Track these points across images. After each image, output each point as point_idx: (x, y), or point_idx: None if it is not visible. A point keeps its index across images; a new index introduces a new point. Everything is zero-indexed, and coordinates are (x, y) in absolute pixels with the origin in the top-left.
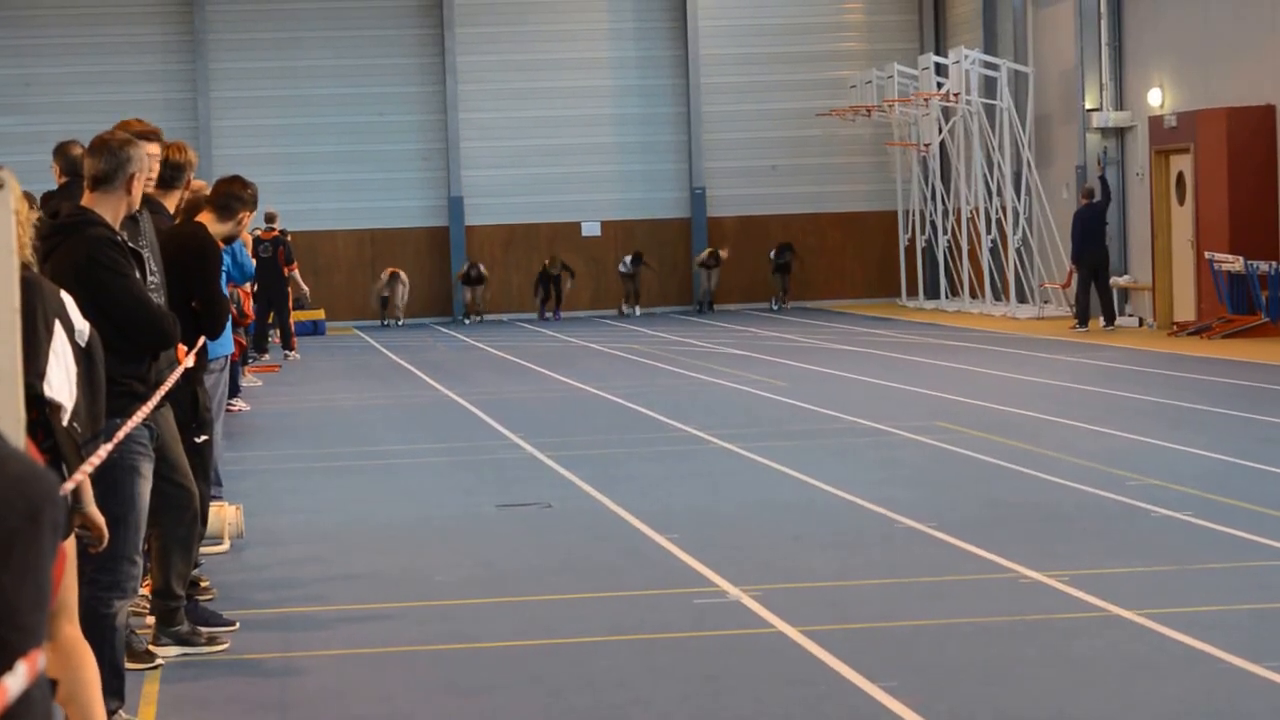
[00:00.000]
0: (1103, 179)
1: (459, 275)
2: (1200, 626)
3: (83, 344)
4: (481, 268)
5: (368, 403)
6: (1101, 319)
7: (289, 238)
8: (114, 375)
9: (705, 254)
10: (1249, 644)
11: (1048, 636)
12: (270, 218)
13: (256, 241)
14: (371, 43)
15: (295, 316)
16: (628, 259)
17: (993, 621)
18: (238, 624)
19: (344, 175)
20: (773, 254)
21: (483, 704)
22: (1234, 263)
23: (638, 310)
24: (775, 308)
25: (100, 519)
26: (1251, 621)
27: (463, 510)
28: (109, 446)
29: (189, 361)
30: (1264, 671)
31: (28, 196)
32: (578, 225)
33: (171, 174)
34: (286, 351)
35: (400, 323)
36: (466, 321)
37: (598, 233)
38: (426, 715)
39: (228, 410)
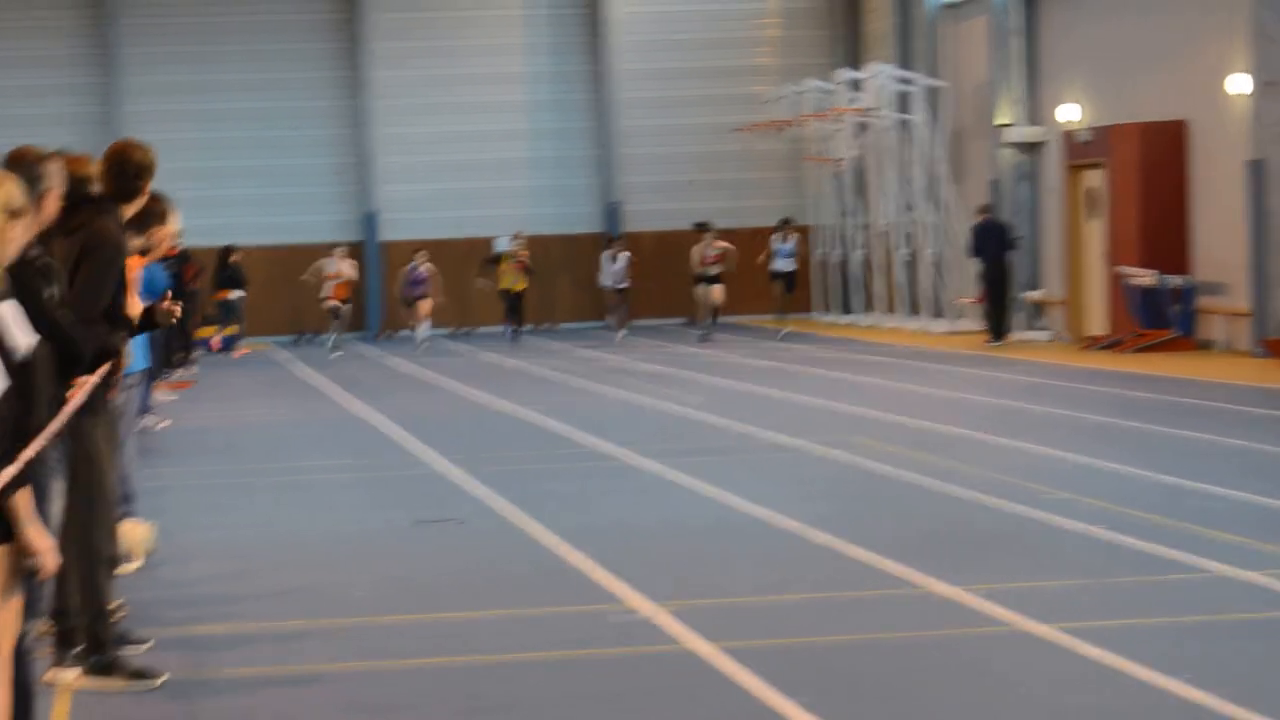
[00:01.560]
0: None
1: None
2: (1114, 641)
3: (16, 359)
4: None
5: (282, 419)
6: (1011, 333)
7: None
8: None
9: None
10: (1162, 658)
11: (962, 652)
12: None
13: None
14: (285, 57)
15: (204, 332)
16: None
17: (907, 637)
18: (151, 642)
19: (258, 190)
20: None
21: None
22: (1146, 277)
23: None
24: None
25: (41, 543)
26: (1165, 636)
27: (377, 527)
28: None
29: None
30: (1177, 686)
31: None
32: (491, 240)
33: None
34: (185, 367)
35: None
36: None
37: (510, 248)
38: None
39: (140, 427)
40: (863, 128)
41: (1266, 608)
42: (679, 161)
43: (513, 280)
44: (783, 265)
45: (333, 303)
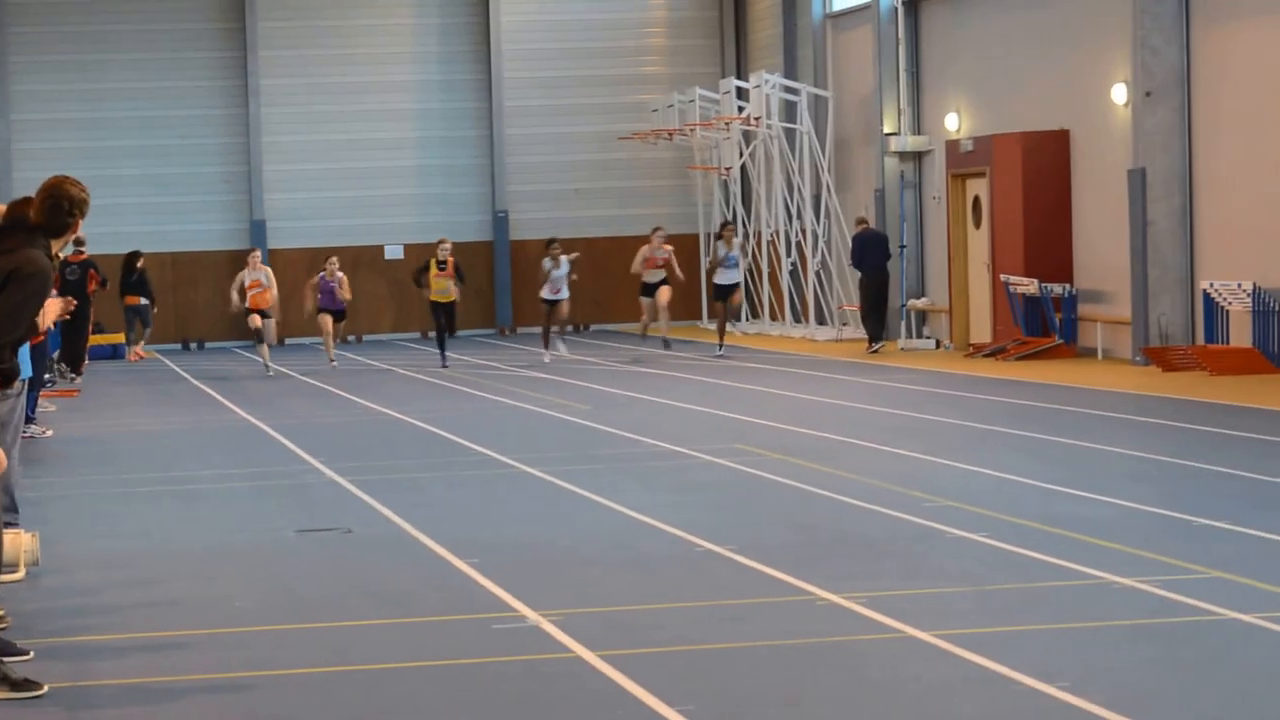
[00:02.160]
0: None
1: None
2: (994, 647)
3: None
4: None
5: (169, 428)
6: (895, 341)
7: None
8: None
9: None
10: (1041, 664)
11: (844, 658)
12: (79, 241)
13: (64, 265)
14: (174, 65)
15: (94, 340)
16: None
17: (790, 644)
18: (31, 653)
19: (147, 198)
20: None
21: None
22: (1029, 285)
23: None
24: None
25: None
26: (1044, 641)
27: (263, 535)
28: None
29: None
30: (1056, 691)
31: None
32: (381, 248)
33: None
34: (73, 375)
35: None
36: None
37: (401, 256)
38: None
39: (24, 436)
40: (748, 137)
41: (1144, 614)
42: (566, 170)
43: (442, 290)
44: (727, 278)
45: (254, 317)
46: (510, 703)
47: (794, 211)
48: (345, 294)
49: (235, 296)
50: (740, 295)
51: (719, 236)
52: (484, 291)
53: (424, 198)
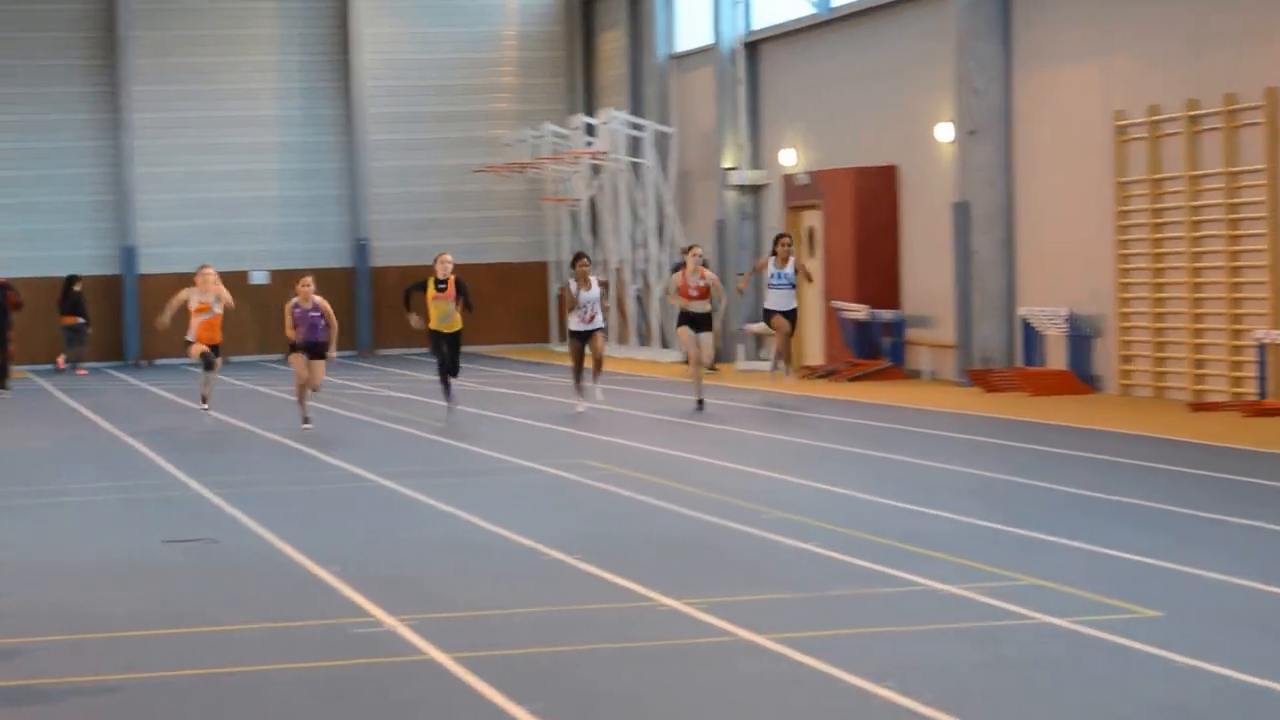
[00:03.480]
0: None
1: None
2: (825, 649)
3: None
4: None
5: (43, 444)
6: (734, 363)
7: None
8: None
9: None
10: (869, 665)
11: (682, 660)
12: None
13: None
14: (47, 99)
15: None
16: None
17: (634, 647)
18: None
19: (23, 225)
20: None
21: None
22: (859, 311)
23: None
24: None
25: None
26: (872, 644)
27: (131, 546)
28: None
29: None
30: (883, 691)
31: None
32: (246, 274)
33: None
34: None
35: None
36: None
37: (267, 281)
38: None
39: None
40: (596, 170)
41: (968, 619)
42: (423, 201)
43: (444, 316)
44: (780, 302)
45: (201, 349)
46: (368, 703)
47: (639, 241)
48: (332, 320)
49: (168, 318)
50: (792, 322)
51: (773, 253)
52: (345, 315)
53: (288, 226)
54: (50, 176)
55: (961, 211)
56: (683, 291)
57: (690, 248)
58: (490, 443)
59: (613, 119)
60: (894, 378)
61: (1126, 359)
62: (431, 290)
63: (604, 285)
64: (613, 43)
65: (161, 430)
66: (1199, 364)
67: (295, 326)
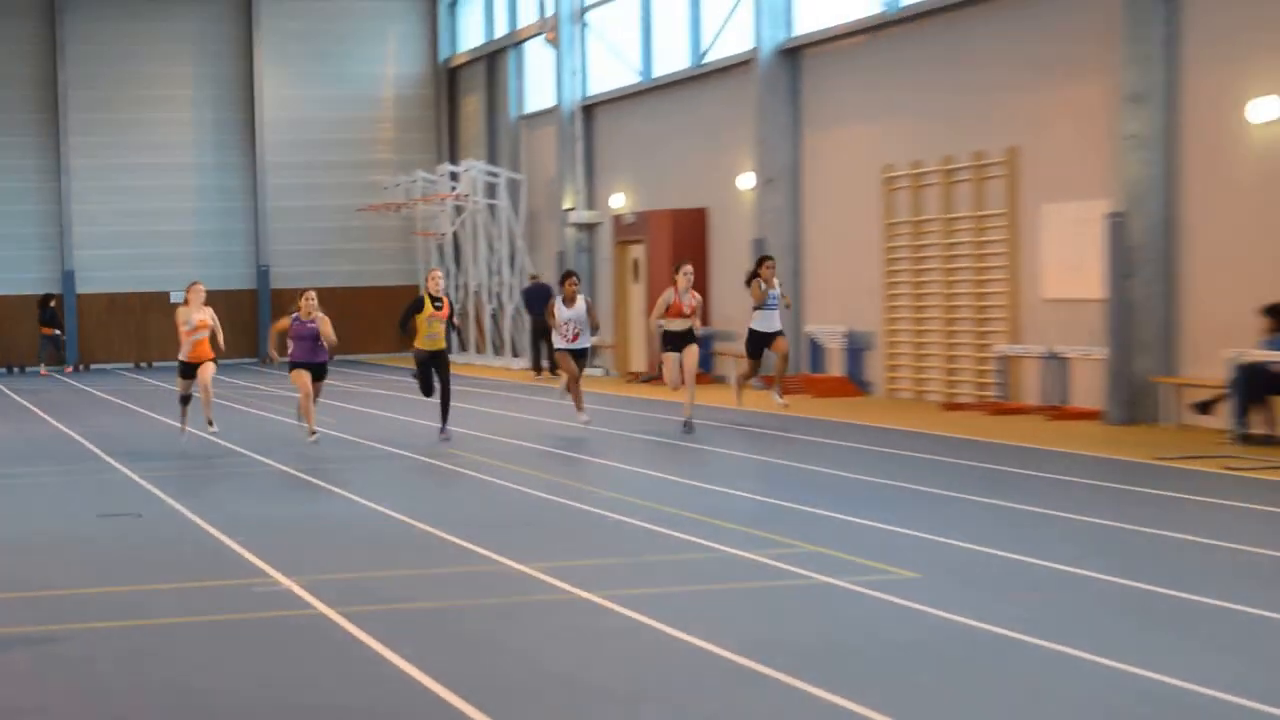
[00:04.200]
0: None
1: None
2: (643, 604)
3: None
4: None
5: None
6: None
7: None
8: None
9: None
10: (680, 617)
11: (528, 613)
12: None
13: None
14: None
15: None
16: None
17: (489, 603)
18: None
19: None
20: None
21: (80, 671)
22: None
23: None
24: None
25: None
26: (683, 600)
27: (70, 519)
28: None
29: None
30: (691, 638)
31: None
32: (167, 294)
33: None
34: None
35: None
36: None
37: (184, 301)
38: (35, 691)
39: None
40: (459, 210)
41: (760, 579)
42: (315, 234)
43: (434, 335)
44: (765, 324)
45: (197, 371)
46: (267, 648)
47: (494, 269)
48: (330, 338)
49: (184, 339)
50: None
51: (755, 274)
52: (249, 328)
53: (202, 253)
54: (2, 212)
55: (759, 246)
56: (676, 309)
57: (680, 265)
58: (369, 434)
59: (472, 167)
60: (704, 382)
61: (892, 367)
62: (429, 309)
63: (588, 303)
64: (473, 105)
65: (101, 426)
66: (951, 371)
67: (294, 339)
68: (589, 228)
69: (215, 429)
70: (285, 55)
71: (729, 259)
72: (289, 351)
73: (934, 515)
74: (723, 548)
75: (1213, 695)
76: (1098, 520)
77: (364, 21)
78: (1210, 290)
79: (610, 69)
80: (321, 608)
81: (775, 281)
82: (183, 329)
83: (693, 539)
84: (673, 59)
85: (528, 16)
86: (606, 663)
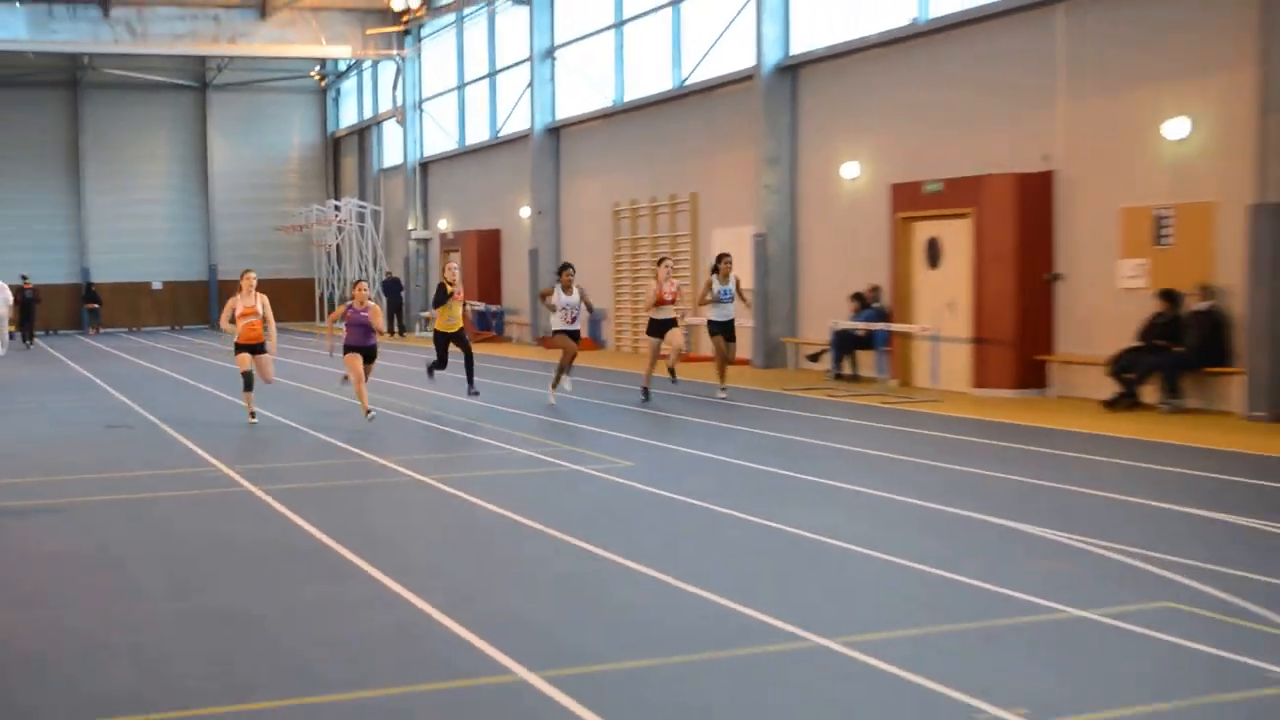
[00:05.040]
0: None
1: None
2: (459, 484)
3: None
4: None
5: (33, 376)
6: (414, 331)
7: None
8: None
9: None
10: (482, 492)
11: (382, 489)
12: None
13: None
14: (39, 186)
15: None
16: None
17: (358, 482)
18: None
19: (17, 254)
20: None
21: (88, 527)
22: (480, 305)
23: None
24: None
25: None
26: (484, 481)
27: (86, 429)
28: None
29: None
30: (488, 504)
31: None
32: (149, 283)
33: None
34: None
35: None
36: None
37: (160, 287)
38: (54, 540)
39: None
40: (340, 229)
41: (538, 468)
42: (247, 244)
43: (453, 318)
44: (720, 313)
45: (242, 356)
46: (215, 510)
47: (363, 268)
48: (378, 324)
49: (227, 324)
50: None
51: (714, 270)
52: (202, 308)
53: (170, 257)
54: (39, 230)
55: (533, 255)
56: (659, 298)
57: (662, 259)
58: (270, 405)
59: (349, 203)
60: (497, 341)
61: (619, 331)
62: (450, 293)
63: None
64: (350, 162)
65: (109, 370)
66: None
67: (348, 327)
68: (424, 241)
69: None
70: (227, 131)
71: (515, 263)
72: (343, 337)
73: (644, 425)
74: (508, 447)
75: (839, 544)
76: (748, 429)
77: (279, 109)
78: (818, 283)
79: (438, 138)
80: (247, 484)
81: (732, 277)
82: (225, 316)
83: (494, 442)
84: (479, 132)
85: (385, 105)
86: (431, 522)
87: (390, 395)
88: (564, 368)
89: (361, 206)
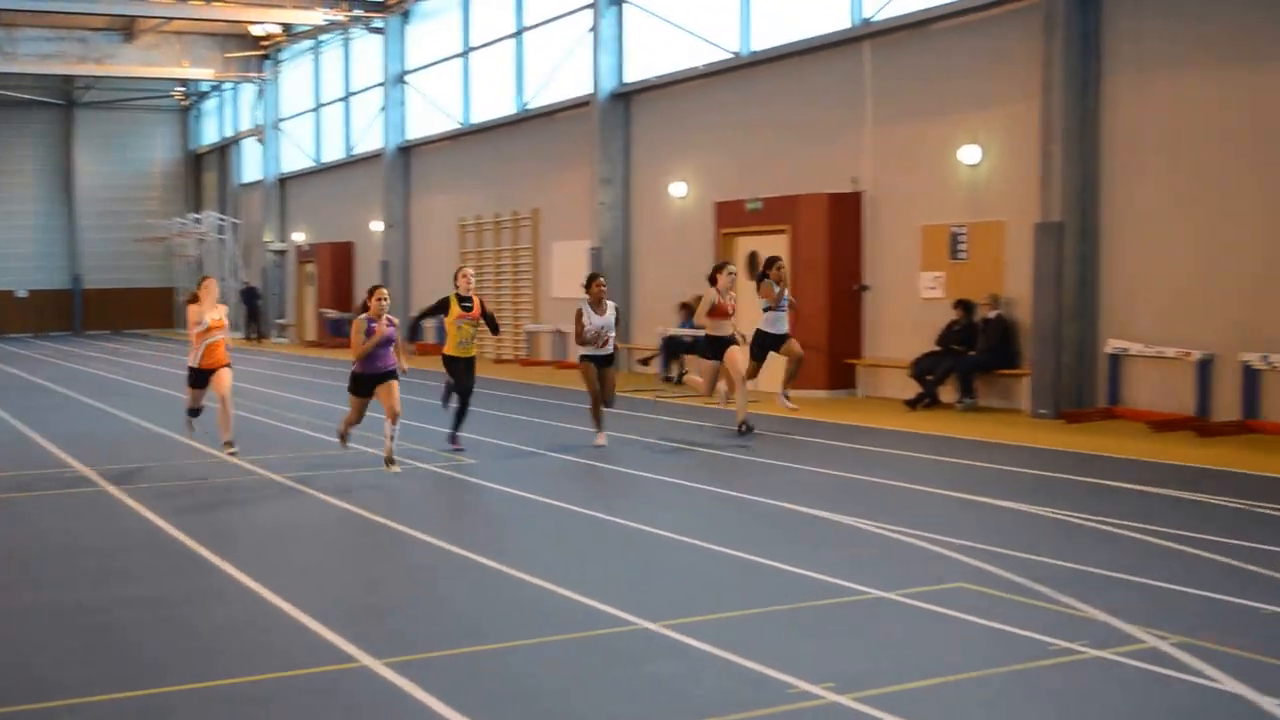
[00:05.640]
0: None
1: None
2: (303, 480)
3: None
4: None
5: None
6: (270, 338)
7: None
8: None
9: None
10: (326, 488)
11: (237, 486)
12: None
13: None
14: (21, 175)
15: None
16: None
17: (213, 481)
18: None
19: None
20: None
21: None
22: (333, 313)
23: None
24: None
25: None
26: (331, 477)
27: None
28: None
29: None
30: (336, 500)
31: None
32: (13, 292)
33: None
34: None
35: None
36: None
37: (26, 295)
38: None
39: None
40: (201, 240)
41: (372, 465)
42: (109, 255)
43: (466, 340)
44: (774, 325)
45: (198, 399)
46: (72, 510)
47: (223, 278)
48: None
49: (197, 341)
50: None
51: (763, 275)
52: (66, 316)
53: (38, 265)
54: (26, 226)
55: (385, 266)
56: (721, 309)
57: (723, 265)
58: (136, 374)
59: (210, 215)
60: (347, 348)
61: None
62: (455, 309)
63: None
64: (211, 177)
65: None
66: (501, 339)
67: (367, 351)
68: (281, 253)
69: (236, 449)
70: (93, 146)
71: (366, 271)
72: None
73: (495, 427)
74: (363, 448)
75: (662, 534)
76: (574, 426)
77: (143, 126)
78: (648, 293)
79: (296, 156)
80: (102, 483)
81: (784, 284)
82: (194, 330)
83: (352, 444)
84: (334, 150)
85: (245, 124)
86: (283, 520)
87: (252, 400)
88: (597, 408)
89: (221, 220)
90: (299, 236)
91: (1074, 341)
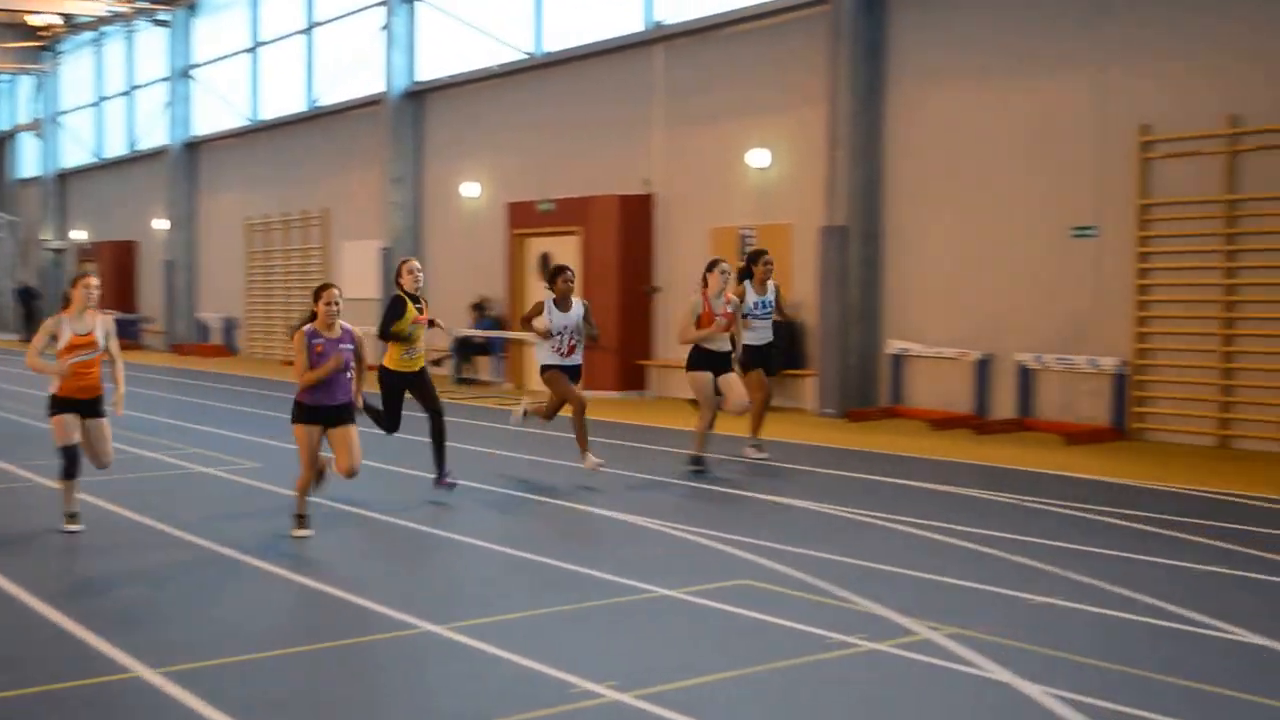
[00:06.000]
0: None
1: None
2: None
3: None
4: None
5: None
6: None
7: None
8: None
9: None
10: (130, 502)
11: (159, 477)
12: None
13: None
14: None
15: None
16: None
17: (147, 475)
18: None
19: None
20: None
21: None
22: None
23: None
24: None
25: None
26: (144, 490)
27: None
28: None
29: None
30: (135, 516)
31: None
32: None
33: None
34: None
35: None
36: None
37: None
38: None
39: None
40: None
41: (171, 470)
42: None
43: (413, 350)
44: (757, 336)
45: (70, 436)
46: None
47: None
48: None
49: (41, 363)
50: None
51: (746, 274)
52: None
53: None
54: None
55: (169, 266)
56: (708, 317)
57: (715, 263)
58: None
59: None
60: (133, 349)
61: (251, 339)
62: (411, 312)
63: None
64: None
65: None
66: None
67: (314, 381)
68: (60, 251)
69: (79, 528)
70: None
71: (150, 274)
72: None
73: (266, 428)
74: (141, 451)
75: (447, 535)
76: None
77: None
78: (441, 294)
79: (75, 152)
80: (36, 479)
81: (771, 285)
82: (58, 345)
83: (127, 447)
84: (117, 146)
85: (24, 117)
86: (53, 523)
87: (15, 401)
88: (581, 433)
89: (14, 220)
90: (80, 234)
91: (858, 343)
